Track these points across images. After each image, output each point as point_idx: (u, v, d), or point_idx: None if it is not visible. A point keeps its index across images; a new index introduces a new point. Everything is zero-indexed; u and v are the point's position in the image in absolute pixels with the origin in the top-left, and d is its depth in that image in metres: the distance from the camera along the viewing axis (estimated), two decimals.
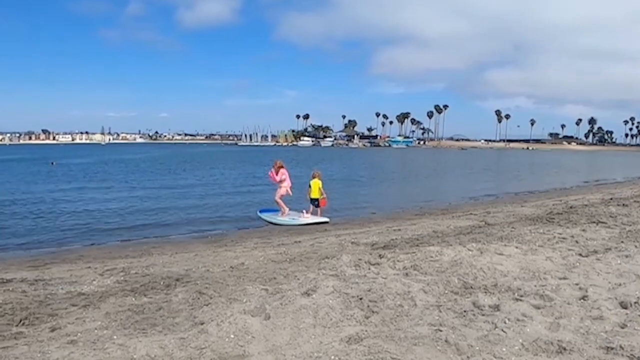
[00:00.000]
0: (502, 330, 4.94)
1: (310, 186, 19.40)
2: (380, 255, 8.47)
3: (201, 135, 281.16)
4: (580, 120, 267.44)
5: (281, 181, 19.02)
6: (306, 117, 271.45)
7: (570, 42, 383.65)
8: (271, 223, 18.33)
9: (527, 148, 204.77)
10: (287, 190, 19.15)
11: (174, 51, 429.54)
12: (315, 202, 19.28)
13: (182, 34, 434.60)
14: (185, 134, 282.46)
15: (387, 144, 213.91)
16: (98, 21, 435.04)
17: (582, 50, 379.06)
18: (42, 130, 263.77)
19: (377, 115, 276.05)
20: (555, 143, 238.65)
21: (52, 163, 61.16)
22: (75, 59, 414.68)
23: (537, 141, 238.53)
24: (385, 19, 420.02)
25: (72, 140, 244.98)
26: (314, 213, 19.12)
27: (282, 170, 19.14)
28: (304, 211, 18.75)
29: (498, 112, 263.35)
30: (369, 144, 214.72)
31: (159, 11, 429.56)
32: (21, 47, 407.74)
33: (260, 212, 20.07)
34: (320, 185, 19.35)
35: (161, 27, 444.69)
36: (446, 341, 4.69)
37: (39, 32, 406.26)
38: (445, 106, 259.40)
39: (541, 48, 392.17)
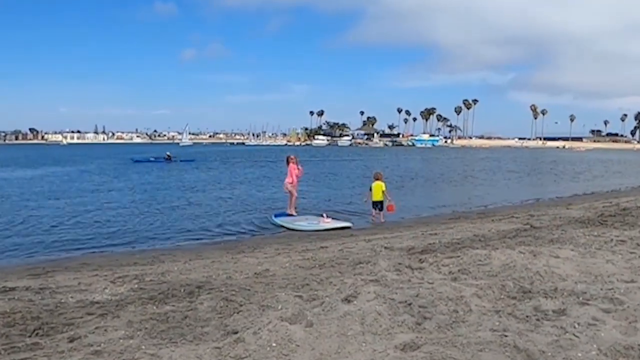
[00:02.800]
0: (574, 335, 4.98)
1: (370, 189, 20.14)
2: (420, 260, 8.53)
3: (204, 133, 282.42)
4: (625, 115, 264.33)
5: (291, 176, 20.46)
6: (320, 113, 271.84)
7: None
8: (288, 228, 18.30)
9: (564, 147, 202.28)
10: (286, 186, 20.64)
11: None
12: (378, 205, 19.91)
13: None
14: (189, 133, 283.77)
15: (410, 143, 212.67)
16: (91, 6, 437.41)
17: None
18: (30, 129, 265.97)
19: (399, 111, 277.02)
20: (598, 141, 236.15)
21: None
22: (66, 50, 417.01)
23: (577, 139, 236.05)
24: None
25: (63, 140, 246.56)
26: (376, 216, 19.96)
27: (291, 165, 20.50)
28: (324, 215, 18.73)
29: (533, 107, 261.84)
30: (390, 143, 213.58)
31: None
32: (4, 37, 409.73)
33: (275, 216, 20.11)
34: (384, 188, 19.98)
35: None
36: (515, 347, 4.72)
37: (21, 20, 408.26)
38: (475, 101, 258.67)
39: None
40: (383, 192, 19.95)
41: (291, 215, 19.95)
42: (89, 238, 17.16)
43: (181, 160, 71.13)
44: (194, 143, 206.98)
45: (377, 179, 20.32)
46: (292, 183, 20.32)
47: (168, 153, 72.11)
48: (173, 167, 61.35)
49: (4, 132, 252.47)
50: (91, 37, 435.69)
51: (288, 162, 20.60)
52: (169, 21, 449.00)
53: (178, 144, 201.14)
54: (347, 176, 47.03)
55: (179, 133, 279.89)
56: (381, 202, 19.94)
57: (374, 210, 20.17)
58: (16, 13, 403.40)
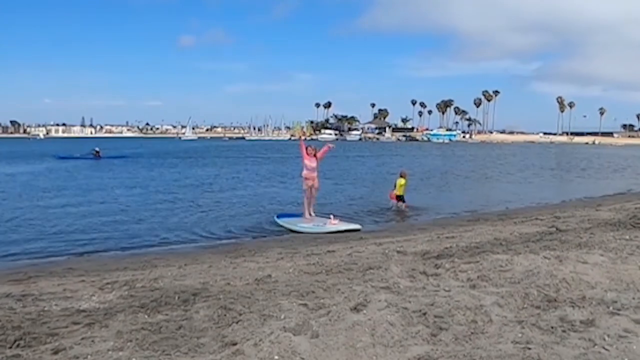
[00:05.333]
0: (603, 348, 4.97)
1: (395, 185, 23.84)
2: (436, 265, 8.54)
3: (201, 127, 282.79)
4: None
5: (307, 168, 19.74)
6: (327, 105, 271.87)
7: None
8: (292, 231, 18.26)
9: (594, 142, 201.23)
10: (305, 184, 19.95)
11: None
12: (400, 198, 23.53)
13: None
14: (182, 126, 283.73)
15: (425, 138, 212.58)
16: None
17: None
18: (11, 122, 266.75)
19: (413, 103, 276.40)
20: (632, 136, 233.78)
21: None
22: (51, 36, 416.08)
23: (607, 134, 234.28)
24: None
25: (47, 133, 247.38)
26: (399, 208, 23.30)
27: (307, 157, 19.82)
28: (331, 216, 18.65)
29: (560, 100, 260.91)
30: (403, 138, 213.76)
31: None
32: None
33: (277, 217, 20.07)
34: (402, 183, 23.65)
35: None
36: None
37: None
38: (496, 92, 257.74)
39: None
40: (401, 186, 23.52)
41: (306, 217, 19.71)
42: (75, 241, 17.14)
43: (110, 157, 69.28)
44: (199, 137, 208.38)
45: (401, 176, 23.87)
46: (307, 177, 19.77)
47: (96, 149, 69.66)
48: (103, 164, 59.77)
49: None
50: (79, 21, 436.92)
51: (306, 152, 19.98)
52: (165, 5, 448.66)
53: (180, 138, 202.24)
54: (357, 174, 46.99)
55: (174, 126, 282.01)
56: (402, 196, 23.50)
57: (398, 202, 23.55)
58: None
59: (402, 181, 23.66)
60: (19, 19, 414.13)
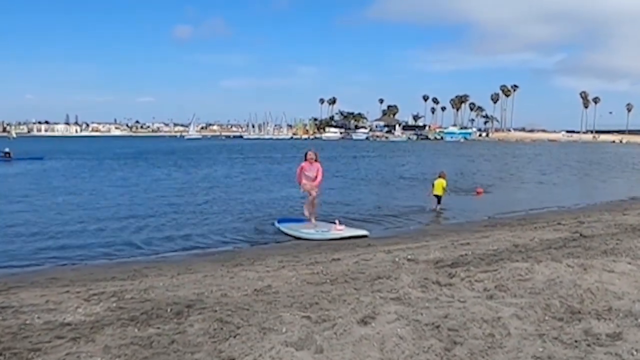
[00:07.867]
0: None
1: (433, 185, 25.49)
2: (450, 275, 8.54)
3: (195, 124, 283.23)
4: None
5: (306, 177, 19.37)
6: (332, 101, 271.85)
7: None
8: (294, 237, 18.19)
9: (621, 141, 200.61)
10: (305, 188, 19.54)
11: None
12: (437, 198, 25.12)
13: None
14: (175, 124, 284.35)
15: (438, 137, 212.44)
16: None
17: None
18: None
19: (425, 99, 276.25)
20: None
21: None
22: (33, 26, 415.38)
23: (635, 132, 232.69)
24: None
25: (28, 132, 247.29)
26: (435, 208, 24.88)
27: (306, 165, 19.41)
28: (337, 221, 18.59)
29: (584, 95, 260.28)
30: (415, 137, 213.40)
31: None
32: None
33: (278, 222, 20.03)
34: (445, 185, 25.34)
35: None
36: None
37: None
38: (515, 87, 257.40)
39: None
40: (443, 188, 25.18)
41: (310, 222, 19.52)
42: (59, 248, 17.10)
43: (24, 158, 66.45)
44: (203, 136, 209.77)
45: (440, 177, 25.58)
46: (305, 183, 19.39)
47: (7, 150, 66.46)
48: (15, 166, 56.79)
49: None
50: (63, 10, 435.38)
51: (305, 159, 19.60)
52: None
53: (183, 136, 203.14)
54: (364, 176, 46.95)
55: (165, 124, 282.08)
56: (439, 196, 25.08)
57: (434, 204, 25.15)
58: None
59: (443, 182, 25.26)
60: None
